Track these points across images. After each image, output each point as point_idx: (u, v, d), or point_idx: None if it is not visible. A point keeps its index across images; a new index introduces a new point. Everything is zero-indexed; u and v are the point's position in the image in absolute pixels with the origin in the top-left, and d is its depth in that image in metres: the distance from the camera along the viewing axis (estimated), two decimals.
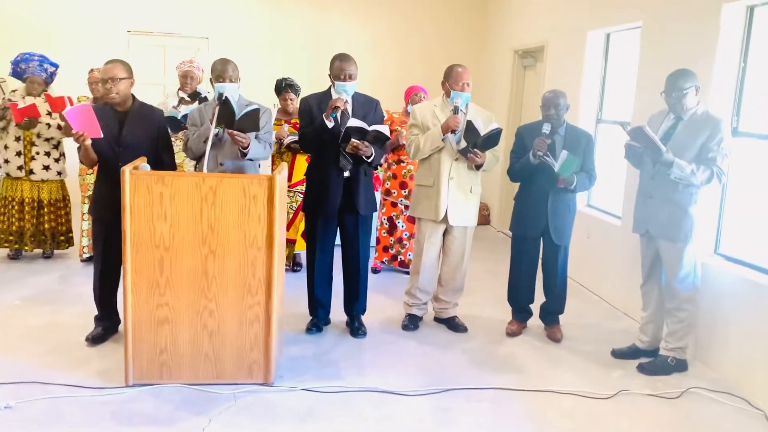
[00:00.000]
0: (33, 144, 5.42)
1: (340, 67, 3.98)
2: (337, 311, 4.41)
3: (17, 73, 5.37)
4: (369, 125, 3.99)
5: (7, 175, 5.49)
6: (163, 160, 3.89)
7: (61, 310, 4.44)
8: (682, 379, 3.84)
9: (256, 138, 3.87)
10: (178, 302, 3.39)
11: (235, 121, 3.59)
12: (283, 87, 5.38)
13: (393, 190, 5.58)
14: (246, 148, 3.73)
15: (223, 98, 3.59)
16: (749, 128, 4.04)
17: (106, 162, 3.80)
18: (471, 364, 3.95)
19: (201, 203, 3.32)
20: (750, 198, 4.07)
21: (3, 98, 5.35)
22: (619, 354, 4.14)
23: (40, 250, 5.73)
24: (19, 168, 5.47)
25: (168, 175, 3.31)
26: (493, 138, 4.03)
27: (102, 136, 3.62)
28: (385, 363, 3.89)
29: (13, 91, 5.46)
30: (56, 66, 5.47)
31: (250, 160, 3.84)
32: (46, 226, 5.62)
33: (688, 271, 3.82)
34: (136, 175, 3.28)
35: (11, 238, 5.58)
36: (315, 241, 4.22)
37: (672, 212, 3.78)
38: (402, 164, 5.51)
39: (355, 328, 4.31)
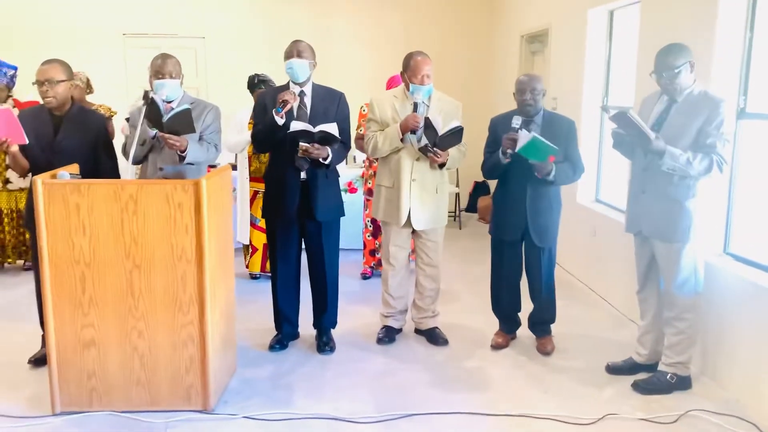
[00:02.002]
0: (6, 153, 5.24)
1: (289, 52, 3.64)
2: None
3: None
4: (332, 120, 3.62)
5: None
6: (102, 168, 3.60)
7: (18, 329, 4.20)
8: (683, 400, 3.34)
9: (200, 140, 3.55)
10: (104, 323, 3.09)
11: (163, 123, 3.26)
12: (256, 83, 5.05)
13: None
14: (183, 151, 3.40)
15: (150, 98, 3.25)
16: (759, 108, 3.50)
17: (39, 170, 3.52)
18: (441, 385, 3.53)
19: (121, 213, 3.00)
20: (763, 188, 3.52)
21: None
22: (614, 369, 3.66)
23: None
24: None
25: (84, 183, 3.01)
26: (454, 135, 3.60)
27: (27, 142, 3.35)
28: (345, 384, 3.52)
29: None
30: (15, 68, 5.27)
31: (191, 164, 3.50)
32: (27, 235, 5.43)
33: (687, 275, 3.32)
34: (49, 184, 2.99)
35: None
36: (275, 248, 3.87)
37: (667, 209, 3.29)
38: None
39: (323, 343, 3.95)
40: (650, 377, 3.47)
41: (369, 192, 5.23)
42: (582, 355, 3.91)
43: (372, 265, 5.40)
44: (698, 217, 3.28)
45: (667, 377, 3.41)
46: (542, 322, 4.00)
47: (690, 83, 3.26)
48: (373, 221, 5.25)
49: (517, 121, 3.60)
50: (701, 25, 3.65)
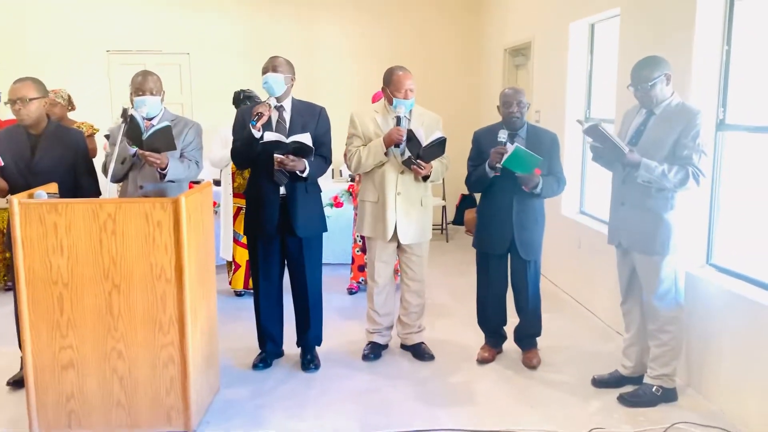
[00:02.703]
0: None
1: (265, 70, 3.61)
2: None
3: None
4: (313, 135, 3.61)
5: None
6: (82, 186, 3.57)
7: None
8: (668, 412, 3.33)
9: (180, 157, 3.52)
10: (83, 344, 3.05)
11: (143, 140, 3.23)
12: (242, 99, 5.03)
13: None
14: (164, 169, 3.37)
15: (129, 115, 3.23)
16: (738, 120, 3.53)
17: (18, 190, 3.47)
18: (425, 400, 3.50)
19: (100, 233, 2.97)
20: (745, 199, 3.54)
21: None
22: (600, 382, 3.65)
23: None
24: None
25: (61, 203, 2.98)
26: (437, 147, 3.60)
27: (2, 164, 3.31)
28: (327, 401, 3.48)
29: None
30: None
31: (171, 181, 3.48)
32: (8, 255, 5.37)
33: (668, 287, 3.32)
34: (25, 204, 2.95)
35: None
36: (258, 265, 3.84)
37: (646, 220, 3.29)
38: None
39: (307, 361, 3.91)
40: (636, 390, 3.46)
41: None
42: (568, 368, 3.89)
43: (360, 280, 5.37)
44: (678, 229, 3.28)
45: (653, 390, 3.40)
46: (528, 335, 3.98)
47: (667, 95, 3.27)
48: (363, 236, 5.23)
49: (503, 135, 3.60)
50: (680, 38, 3.68)
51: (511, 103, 3.68)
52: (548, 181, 3.68)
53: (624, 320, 3.65)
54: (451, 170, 4.12)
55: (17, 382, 3.61)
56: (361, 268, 5.34)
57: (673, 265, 3.31)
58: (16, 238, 2.95)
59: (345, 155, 4.81)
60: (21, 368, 3.66)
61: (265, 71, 3.62)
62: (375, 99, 5.09)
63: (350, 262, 5.51)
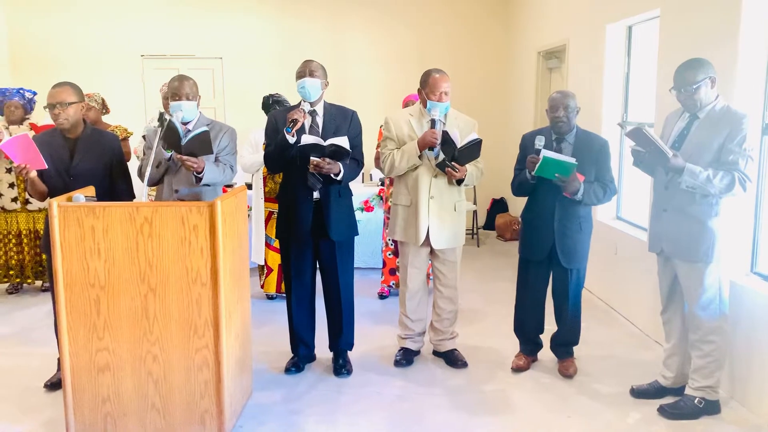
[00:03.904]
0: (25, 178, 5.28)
1: (300, 72, 3.61)
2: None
3: None
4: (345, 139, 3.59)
5: (2, 208, 5.36)
6: (117, 189, 3.60)
7: (32, 352, 4.19)
8: (711, 425, 3.23)
9: (215, 161, 3.53)
10: (119, 347, 3.06)
11: (181, 144, 3.25)
12: (271, 104, 5.04)
13: None
14: (200, 173, 3.38)
15: (167, 120, 3.24)
16: None
17: (56, 193, 3.51)
18: (458, 408, 3.45)
19: (137, 236, 2.98)
20: None
21: None
22: (639, 393, 3.56)
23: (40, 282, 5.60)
24: (14, 200, 5.34)
25: (99, 206, 3.00)
26: (473, 149, 3.55)
27: (46, 167, 3.35)
28: (359, 408, 3.45)
29: None
30: (34, 93, 5.33)
31: (207, 185, 3.48)
32: (44, 256, 5.46)
33: (711, 296, 3.22)
34: (64, 208, 2.98)
35: (11, 272, 5.46)
36: (290, 270, 3.83)
37: (689, 227, 3.20)
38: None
39: (339, 366, 3.88)
40: (677, 401, 3.36)
41: (389, 210, 5.18)
42: (605, 378, 3.80)
43: (390, 284, 5.33)
44: (722, 237, 3.18)
45: (695, 401, 3.30)
46: (566, 344, 3.90)
47: (711, 99, 3.18)
48: (394, 240, 5.20)
49: (540, 141, 3.53)
50: (723, 39, 3.58)
51: (557, 107, 3.61)
52: (593, 188, 3.60)
53: (664, 329, 3.55)
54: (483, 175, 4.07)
55: (54, 384, 3.66)
56: (393, 272, 5.31)
57: (717, 273, 3.21)
58: (54, 240, 2.98)
59: (376, 159, 4.80)
60: (57, 370, 3.70)
61: (300, 76, 3.61)
62: (405, 103, 5.06)
63: (381, 266, 5.48)
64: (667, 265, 3.40)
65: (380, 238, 5.53)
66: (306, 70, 3.61)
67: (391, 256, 5.30)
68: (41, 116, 5.47)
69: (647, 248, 3.51)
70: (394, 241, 5.21)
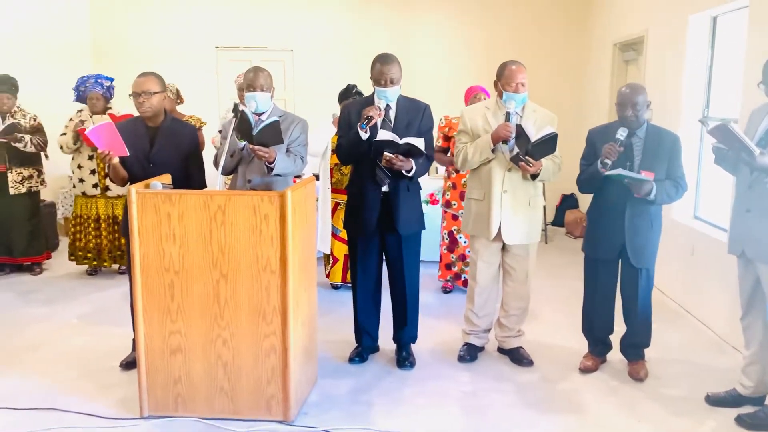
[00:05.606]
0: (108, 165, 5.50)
1: (380, 70, 3.59)
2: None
3: (80, 97, 5.49)
4: (416, 132, 3.58)
5: (83, 193, 5.60)
6: (192, 178, 3.70)
7: (108, 332, 4.37)
8: None
9: (287, 151, 3.58)
10: (191, 330, 3.16)
11: (253, 135, 3.30)
12: (353, 94, 5.06)
13: (453, 202, 5.09)
14: (271, 162, 3.44)
15: (240, 111, 3.31)
16: None
17: (136, 180, 3.65)
18: (524, 406, 3.39)
19: (210, 223, 3.06)
20: None
21: (76, 122, 5.45)
22: (715, 401, 3.41)
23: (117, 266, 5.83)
24: (95, 186, 5.57)
25: (175, 193, 3.09)
26: (548, 143, 3.46)
27: (128, 154, 3.47)
28: (424, 402, 3.44)
29: (79, 111, 5.56)
30: (111, 80, 5.53)
31: (278, 175, 3.54)
32: (123, 241, 5.68)
33: None
34: (142, 194, 3.08)
35: (90, 255, 5.70)
36: (356, 261, 3.86)
37: None
38: (461, 173, 4.98)
39: (402, 358, 3.89)
40: (756, 411, 3.21)
41: (447, 204, 5.15)
42: (678, 383, 3.66)
43: (448, 278, 5.30)
44: None
45: None
46: (635, 345, 3.78)
47: None
48: (450, 234, 5.16)
49: (623, 133, 3.41)
50: None
51: (626, 105, 3.48)
52: (665, 186, 3.47)
53: (744, 336, 3.39)
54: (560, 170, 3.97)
55: (129, 364, 3.80)
56: (449, 266, 5.26)
57: None
58: (133, 225, 3.09)
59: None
60: (132, 350, 3.85)
61: (381, 83, 3.57)
62: (468, 95, 4.99)
63: (438, 260, 5.44)
64: (749, 268, 3.24)
65: (438, 232, 5.47)
66: (386, 79, 3.55)
67: (446, 251, 5.25)
68: (121, 105, 5.66)
69: (727, 250, 3.35)
70: (450, 235, 5.16)
